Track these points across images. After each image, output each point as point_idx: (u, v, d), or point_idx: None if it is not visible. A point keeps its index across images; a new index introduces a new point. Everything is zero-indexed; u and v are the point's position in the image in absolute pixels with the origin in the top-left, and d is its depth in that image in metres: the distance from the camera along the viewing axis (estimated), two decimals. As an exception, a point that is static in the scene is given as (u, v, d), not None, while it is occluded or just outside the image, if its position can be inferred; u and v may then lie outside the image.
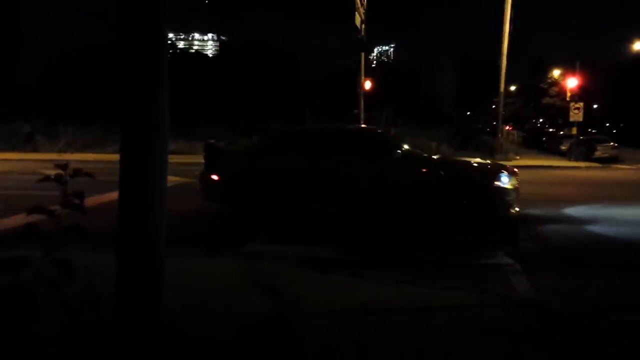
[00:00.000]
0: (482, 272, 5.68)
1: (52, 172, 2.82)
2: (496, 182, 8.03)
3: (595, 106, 55.03)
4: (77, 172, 2.86)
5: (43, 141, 26.61)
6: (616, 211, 10.12)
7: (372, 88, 28.63)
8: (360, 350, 3.59)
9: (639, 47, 39.24)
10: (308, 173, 8.41)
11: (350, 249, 6.64)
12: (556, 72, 54.67)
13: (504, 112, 25.23)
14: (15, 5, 60.70)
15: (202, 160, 8.98)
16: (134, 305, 3.45)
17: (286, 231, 7.81)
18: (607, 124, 63.75)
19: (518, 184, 8.24)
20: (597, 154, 26.84)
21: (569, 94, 31.07)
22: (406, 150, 8.69)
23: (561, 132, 39.03)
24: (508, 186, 8.06)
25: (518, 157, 25.52)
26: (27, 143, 26.27)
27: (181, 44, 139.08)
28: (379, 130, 9.55)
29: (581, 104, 28.82)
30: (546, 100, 59.81)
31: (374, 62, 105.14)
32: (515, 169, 8.58)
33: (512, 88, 59.15)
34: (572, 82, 31.78)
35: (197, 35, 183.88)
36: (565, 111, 30.54)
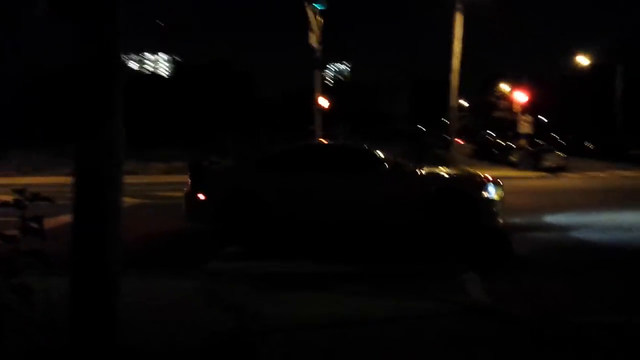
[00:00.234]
0: (441, 282, 5.83)
1: (9, 197, 2.82)
2: (483, 193, 8.29)
3: (543, 118, 57.06)
4: (35, 197, 2.87)
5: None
6: (568, 218, 10.50)
7: (329, 106, 28.94)
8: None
9: (582, 61, 41.03)
10: (301, 189, 8.50)
11: (318, 264, 6.72)
12: (505, 87, 56.49)
13: (456, 126, 25.88)
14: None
15: (178, 180, 8.92)
16: (90, 327, 3.42)
17: (249, 248, 7.83)
18: (555, 135, 66.15)
19: (503, 194, 8.50)
20: (546, 164, 27.78)
21: (517, 108, 32.21)
22: (394, 164, 8.95)
23: (511, 144, 40.30)
24: (495, 197, 8.34)
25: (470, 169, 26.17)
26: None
27: (134, 65, 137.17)
28: (366, 147, 9.70)
29: (529, 117, 29.94)
30: (496, 113, 61.64)
31: (330, 80, 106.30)
32: (500, 180, 8.83)
33: (464, 103, 60.75)
34: (520, 96, 32.99)
35: (149, 55, 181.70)
36: (515, 124, 31.61)
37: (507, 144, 40.03)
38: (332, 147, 9.76)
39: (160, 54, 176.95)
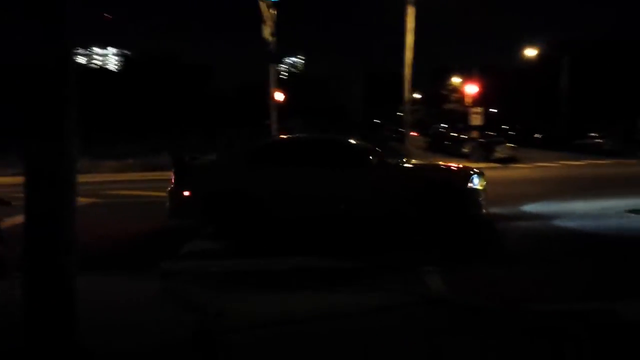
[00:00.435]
0: (403, 274, 5.88)
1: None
2: (469, 184, 8.43)
3: (493, 110, 58.53)
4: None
5: None
6: (519, 207, 10.77)
7: (284, 99, 28.86)
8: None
9: (530, 54, 42.22)
10: (290, 184, 8.37)
11: (281, 260, 6.66)
12: (456, 79, 57.61)
13: (409, 119, 26.22)
14: None
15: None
16: (46, 329, 3.33)
17: (206, 247, 7.72)
18: (505, 127, 67.98)
19: (485, 184, 8.66)
20: (496, 154, 28.52)
21: (468, 100, 32.91)
22: (381, 158, 8.99)
23: (463, 136, 41.16)
24: (479, 187, 8.50)
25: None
26: None
27: (81, 60, 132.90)
28: (355, 140, 9.64)
29: (480, 109, 30.62)
30: (448, 106, 62.81)
31: (284, 73, 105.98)
32: (482, 171, 8.97)
33: (417, 96, 61.62)
34: (471, 88, 33.68)
35: (97, 50, 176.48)
36: (466, 116, 32.26)
37: (459, 136, 40.92)
38: (321, 141, 9.56)
39: (109, 48, 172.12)
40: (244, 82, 65.99)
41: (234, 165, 8.80)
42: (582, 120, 45.72)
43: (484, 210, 8.54)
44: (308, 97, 68.30)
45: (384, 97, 73.77)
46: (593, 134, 37.88)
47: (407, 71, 25.10)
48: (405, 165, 9.27)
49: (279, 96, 24.95)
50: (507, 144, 31.00)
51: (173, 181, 8.50)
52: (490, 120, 45.00)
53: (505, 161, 26.98)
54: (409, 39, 24.66)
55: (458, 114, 53.34)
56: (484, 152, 28.75)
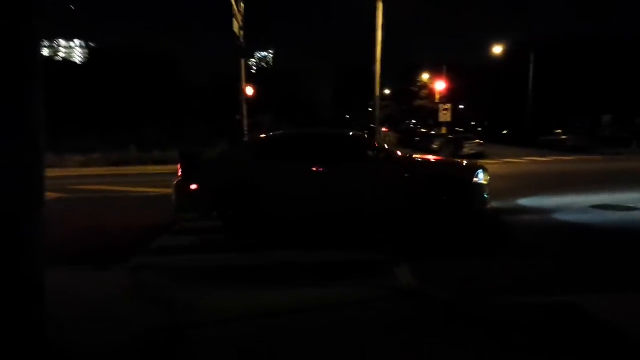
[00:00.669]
0: (373, 268, 5.93)
1: None
2: (475, 179, 8.48)
3: (461, 107, 59.35)
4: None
5: None
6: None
7: (255, 94, 28.67)
8: (253, 354, 3.65)
9: (497, 51, 42.92)
10: (298, 178, 8.34)
11: (259, 255, 6.66)
12: (426, 76, 58.22)
13: (380, 115, 26.35)
14: None
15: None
16: (14, 327, 3.25)
17: (177, 242, 7.64)
18: (473, 123, 68.99)
19: (489, 178, 8.73)
20: (465, 151, 28.99)
21: (437, 96, 33.29)
22: (389, 151, 8.99)
23: (432, 132, 41.59)
24: (484, 182, 8.55)
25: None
26: None
27: (45, 52, 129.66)
28: (363, 134, 9.58)
29: (449, 106, 31.04)
30: (418, 102, 63.47)
31: (254, 68, 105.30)
32: (485, 166, 9.07)
33: (387, 92, 62.01)
34: (440, 85, 34.10)
35: (62, 42, 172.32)
36: (436, 112, 32.66)
37: (428, 132, 41.35)
38: (328, 136, 9.48)
39: (75, 40, 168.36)
40: (214, 76, 65.34)
41: (242, 159, 8.75)
42: (547, 117, 46.78)
43: (488, 205, 8.69)
44: (278, 92, 68.09)
45: (355, 93, 73.92)
46: (558, 131, 38.78)
47: (377, 67, 25.19)
48: (413, 159, 9.31)
49: (250, 91, 24.77)
50: (476, 141, 31.50)
51: (180, 175, 8.47)
52: (459, 117, 45.65)
53: (474, 157, 27.40)
54: (379, 35, 24.75)
55: (428, 111, 54.00)
56: (453, 149, 29.20)
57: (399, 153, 9.29)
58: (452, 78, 42.03)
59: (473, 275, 5.63)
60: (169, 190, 12.84)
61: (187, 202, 8.39)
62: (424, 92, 59.51)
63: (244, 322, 4.24)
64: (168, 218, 9.26)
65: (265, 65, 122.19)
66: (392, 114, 65.69)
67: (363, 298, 4.80)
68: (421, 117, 64.93)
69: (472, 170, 8.64)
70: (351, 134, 9.59)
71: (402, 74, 75.70)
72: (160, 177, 19.41)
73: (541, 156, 28.68)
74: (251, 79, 27.01)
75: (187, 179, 8.35)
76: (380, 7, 24.39)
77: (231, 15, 22.57)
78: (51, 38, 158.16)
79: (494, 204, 10.55)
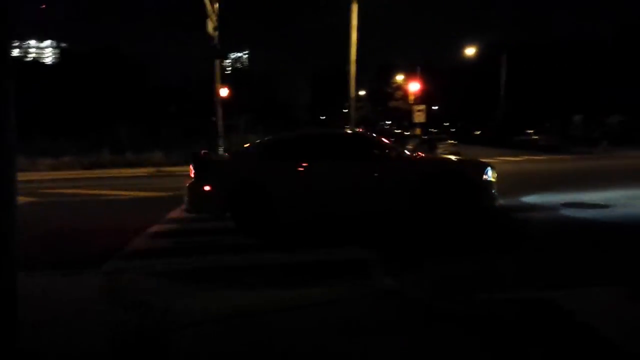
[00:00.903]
0: (347, 268, 5.98)
1: None
2: (484, 177, 8.60)
3: (435, 108, 59.95)
4: None
5: None
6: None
7: (230, 95, 28.53)
8: (230, 355, 3.66)
9: (470, 52, 43.49)
10: (310, 177, 8.40)
11: (231, 257, 6.63)
12: (400, 77, 58.65)
13: (355, 116, 26.46)
14: None
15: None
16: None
17: (150, 245, 7.58)
18: (447, 124, 69.76)
19: (497, 176, 8.87)
20: (439, 151, 29.28)
21: (411, 97, 33.58)
22: (399, 150, 9.07)
23: (406, 133, 41.94)
24: (492, 179, 8.68)
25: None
26: None
27: (16, 52, 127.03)
28: (372, 135, 9.67)
29: (423, 106, 31.32)
30: (392, 103, 63.89)
31: (229, 69, 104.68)
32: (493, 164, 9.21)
33: (362, 93, 62.28)
34: (414, 86, 34.39)
35: (33, 42, 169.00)
36: (410, 113, 32.92)
37: (402, 133, 41.65)
38: (338, 135, 9.61)
39: (47, 41, 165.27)
40: (189, 77, 64.79)
41: (254, 160, 8.75)
42: (520, 118, 47.53)
43: (497, 202, 8.83)
44: (254, 93, 67.83)
45: (330, 94, 74.14)
46: (530, 131, 39.45)
47: (352, 68, 25.31)
48: (422, 157, 9.39)
49: (224, 92, 24.63)
50: (449, 141, 31.85)
51: (193, 176, 8.51)
52: (433, 118, 46.10)
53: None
54: (354, 36, 24.87)
55: (402, 111, 54.36)
56: (427, 149, 29.46)
57: (407, 152, 9.43)
58: (426, 79, 42.43)
59: (458, 273, 5.72)
60: (143, 194, 12.77)
61: (200, 203, 8.48)
62: (399, 93, 59.92)
63: (220, 324, 4.24)
64: (142, 221, 9.18)
65: (240, 66, 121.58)
66: (367, 115, 66.00)
67: (342, 298, 4.83)
68: (396, 117, 65.37)
69: (482, 168, 8.80)
70: (361, 133, 9.85)
71: (377, 74, 76.18)
72: (134, 180, 19.22)
73: (514, 156, 29.14)
74: (226, 80, 26.87)
75: (200, 180, 8.42)
76: (355, 8, 24.50)
77: (205, 15, 22.45)
78: (23, 38, 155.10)
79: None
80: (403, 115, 56.14)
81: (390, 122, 71.40)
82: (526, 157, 28.38)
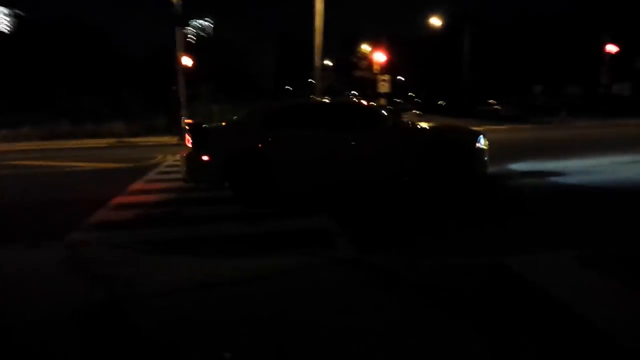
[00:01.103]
0: (310, 237, 6.10)
1: None
2: (477, 145, 8.75)
3: (401, 78, 60.12)
4: None
5: None
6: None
7: (193, 64, 27.99)
8: (195, 324, 3.73)
9: (435, 23, 43.58)
10: (309, 147, 8.45)
11: (193, 228, 6.64)
12: (365, 47, 58.40)
13: (320, 86, 26.37)
14: None
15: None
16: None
17: (113, 217, 7.52)
18: (412, 94, 70.11)
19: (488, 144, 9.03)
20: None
21: (376, 67, 33.59)
22: (396, 119, 9.20)
23: (371, 103, 42.01)
24: (484, 147, 8.84)
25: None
26: None
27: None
28: (371, 103, 9.83)
29: (388, 77, 31.37)
30: (358, 73, 63.73)
31: (193, 37, 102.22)
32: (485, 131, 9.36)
33: (328, 62, 61.85)
34: (379, 56, 34.36)
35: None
36: (375, 83, 32.96)
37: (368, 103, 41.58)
38: (339, 105, 9.63)
39: (1, 8, 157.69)
40: (151, 46, 63.16)
41: (252, 129, 8.68)
42: (483, 88, 48.13)
43: (488, 169, 9.05)
44: (218, 62, 66.63)
45: (296, 63, 73.46)
46: (492, 101, 40.07)
47: (318, 38, 25.10)
48: (420, 126, 9.52)
49: (187, 61, 24.16)
50: (414, 111, 32.16)
51: (191, 146, 8.45)
52: (398, 88, 46.28)
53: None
54: (319, 5, 24.60)
55: (367, 81, 54.31)
56: (392, 119, 29.67)
57: (403, 120, 9.54)
58: (391, 49, 42.44)
59: (433, 242, 5.86)
60: (104, 165, 12.62)
61: (198, 173, 8.46)
62: (364, 63, 59.78)
63: (184, 294, 4.30)
64: (104, 193, 9.08)
65: (204, 35, 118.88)
66: (332, 85, 65.76)
67: (304, 266, 4.94)
68: (361, 87, 65.29)
69: (475, 135, 8.99)
70: (360, 103, 9.95)
71: (343, 44, 75.62)
72: (94, 151, 18.88)
73: (476, 126, 29.32)
74: (189, 49, 26.30)
75: (198, 149, 8.37)
76: (319, -24, 24.16)
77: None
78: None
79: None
80: (368, 85, 56.13)
81: (355, 92, 71.24)
82: (488, 126, 28.88)
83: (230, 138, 8.66)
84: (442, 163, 8.54)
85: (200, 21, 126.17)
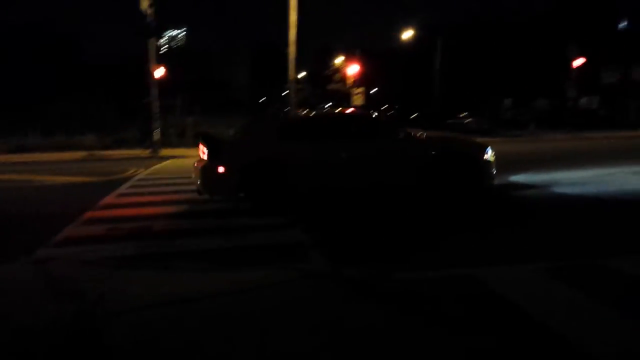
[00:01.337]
0: (284, 250, 6.08)
1: None
2: (485, 156, 9.05)
3: (374, 90, 60.60)
4: None
5: None
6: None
7: (165, 75, 27.79)
8: (168, 340, 3.71)
9: (407, 36, 44.19)
10: (324, 157, 8.72)
11: (165, 243, 6.57)
12: (339, 60, 58.80)
13: (295, 98, 26.46)
14: None
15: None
16: None
17: (83, 232, 7.41)
18: (385, 107, 70.67)
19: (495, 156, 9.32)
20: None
21: (350, 80, 33.86)
22: (406, 130, 9.48)
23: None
24: (491, 159, 9.14)
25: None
26: None
27: None
28: (382, 116, 10.18)
29: (362, 89, 31.69)
30: (332, 86, 64.05)
31: (165, 47, 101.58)
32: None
33: (303, 74, 62.04)
34: (353, 69, 34.66)
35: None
36: (349, 96, 33.20)
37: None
38: (353, 116, 10.12)
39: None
40: (125, 56, 62.43)
41: (268, 140, 8.88)
42: (455, 101, 48.81)
43: (495, 181, 9.36)
44: (192, 73, 66.32)
45: (271, 75, 73.53)
46: (462, 114, 40.71)
47: (292, 49, 25.22)
48: (429, 138, 9.78)
49: (160, 72, 24.02)
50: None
51: (207, 158, 8.54)
52: (372, 100, 46.65)
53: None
54: (293, 16, 24.74)
55: (342, 94, 54.65)
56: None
57: (412, 132, 9.82)
58: (365, 62, 42.81)
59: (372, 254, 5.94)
60: (76, 179, 12.48)
61: (213, 184, 8.57)
62: (337, 76, 60.18)
63: (156, 310, 4.26)
64: (75, 207, 8.95)
65: (177, 45, 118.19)
66: (307, 97, 65.96)
67: (275, 280, 4.94)
68: (336, 100, 65.63)
69: (483, 147, 9.30)
70: (373, 115, 10.47)
71: (317, 56, 76.05)
72: (65, 165, 18.56)
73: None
74: (162, 59, 26.15)
75: (213, 161, 8.47)
76: (293, -11, 24.33)
77: (139, -7, 21.74)
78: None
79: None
80: (342, 98, 56.45)
81: (330, 105, 71.61)
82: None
83: (247, 149, 8.84)
84: (453, 174, 8.84)
85: (174, 32, 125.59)
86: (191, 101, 35.49)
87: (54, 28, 62.34)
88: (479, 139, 13.01)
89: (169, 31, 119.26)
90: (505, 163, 14.97)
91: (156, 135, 22.91)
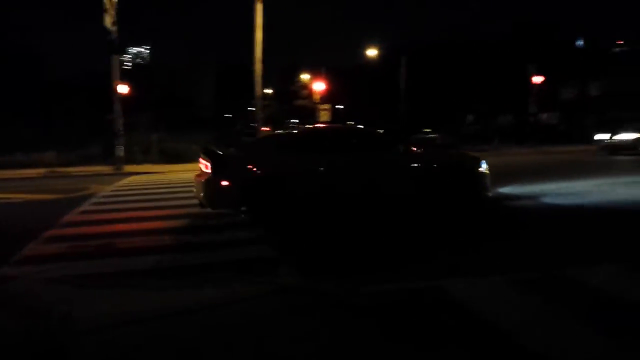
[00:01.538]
0: (252, 265, 6.03)
1: None
2: (480, 169, 9.28)
3: (340, 107, 61.11)
4: None
5: None
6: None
7: (129, 92, 27.47)
8: (136, 359, 3.63)
9: (372, 54, 44.90)
10: (327, 170, 8.79)
11: (128, 262, 6.41)
12: (306, 76, 59.18)
13: (262, 114, 26.46)
14: None
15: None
16: None
17: (46, 250, 7.20)
18: (351, 122, 71.24)
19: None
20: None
21: (316, 97, 34.10)
22: (405, 144, 9.66)
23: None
24: (486, 171, 9.37)
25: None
26: None
27: None
28: (383, 131, 11.21)
29: (328, 106, 31.92)
30: (299, 102, 64.33)
31: (129, 63, 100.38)
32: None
33: (269, 91, 62.17)
34: (319, 86, 34.94)
35: None
36: (315, 112, 33.38)
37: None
38: (352, 130, 10.42)
39: None
40: (88, 73, 61.35)
41: (274, 154, 8.98)
42: (419, 117, 49.65)
43: (490, 193, 9.61)
44: (156, 90, 65.72)
45: (236, 92, 73.36)
46: (427, 130, 41.42)
47: (258, 66, 25.31)
48: (426, 152, 10.02)
49: (123, 88, 23.71)
50: (353, 139, 32.63)
51: (210, 172, 8.49)
52: (338, 117, 47.00)
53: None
54: (258, 35, 24.87)
55: (308, 110, 54.90)
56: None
57: (413, 147, 10.01)
58: (331, 79, 43.24)
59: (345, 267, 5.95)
60: (36, 196, 12.19)
61: (217, 198, 8.55)
62: (304, 92, 60.50)
63: (119, 329, 4.15)
64: (35, 226, 8.70)
65: (141, 61, 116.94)
66: (273, 114, 66.02)
67: (246, 296, 4.88)
68: (303, 116, 65.88)
69: (478, 160, 9.59)
70: (371, 129, 10.70)
71: (283, 73, 76.37)
72: (26, 182, 18.09)
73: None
74: (126, 76, 25.82)
75: (217, 175, 8.44)
76: (259, 7, 24.50)
77: (103, 9, 21.54)
78: None
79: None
80: (309, 114, 56.69)
81: (297, 121, 71.84)
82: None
83: (250, 164, 8.83)
84: (451, 185, 9.07)
85: (138, 48, 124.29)
86: (156, 118, 35.08)
87: (14, 42, 61.09)
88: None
89: (133, 48, 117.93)
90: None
91: (119, 151, 22.55)
